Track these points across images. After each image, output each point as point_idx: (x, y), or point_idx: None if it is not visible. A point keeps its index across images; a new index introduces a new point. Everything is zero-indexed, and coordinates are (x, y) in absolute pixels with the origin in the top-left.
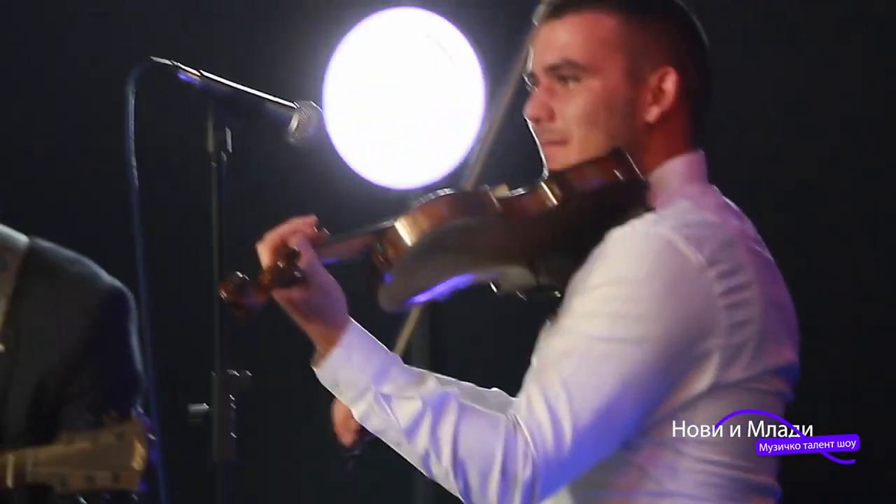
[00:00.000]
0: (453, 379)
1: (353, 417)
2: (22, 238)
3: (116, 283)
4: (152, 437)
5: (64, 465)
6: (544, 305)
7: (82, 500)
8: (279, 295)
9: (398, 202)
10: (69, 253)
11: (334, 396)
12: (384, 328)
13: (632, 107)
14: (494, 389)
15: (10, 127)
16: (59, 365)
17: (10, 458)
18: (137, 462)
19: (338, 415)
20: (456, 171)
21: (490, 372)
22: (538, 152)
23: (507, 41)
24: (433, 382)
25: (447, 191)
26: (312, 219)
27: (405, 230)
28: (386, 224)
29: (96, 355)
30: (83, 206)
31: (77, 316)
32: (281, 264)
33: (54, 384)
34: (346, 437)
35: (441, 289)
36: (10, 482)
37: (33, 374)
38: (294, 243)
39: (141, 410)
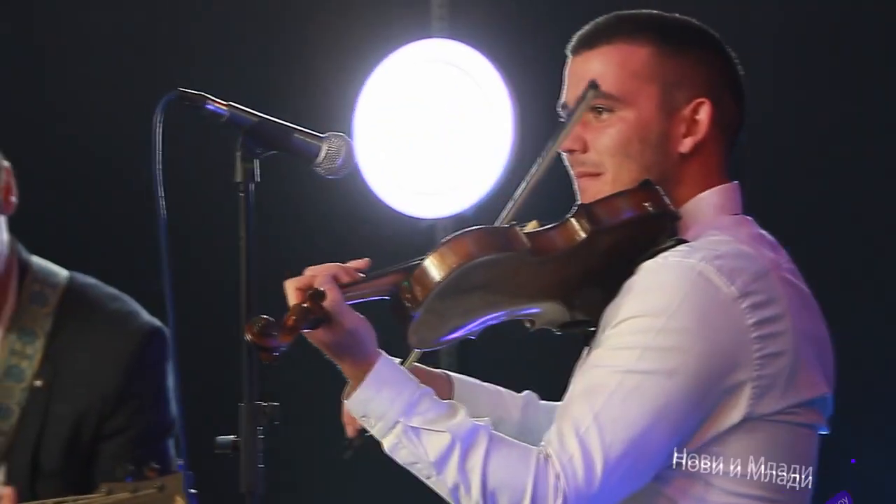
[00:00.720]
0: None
1: None
2: (62, 273)
3: (155, 321)
4: (193, 492)
5: None
6: (577, 338)
7: None
8: (307, 335)
9: (427, 232)
10: (109, 289)
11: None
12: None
13: (665, 138)
14: (526, 392)
15: (39, 158)
16: (97, 402)
17: None
18: None
19: (346, 411)
20: (485, 202)
21: None
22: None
23: (537, 72)
24: (463, 414)
25: (475, 227)
26: (344, 265)
27: (432, 267)
28: (414, 262)
29: (134, 394)
30: (110, 236)
31: (115, 354)
32: (306, 305)
33: (92, 421)
34: (349, 430)
35: (473, 327)
36: None
37: (71, 410)
38: (319, 284)
39: (182, 463)
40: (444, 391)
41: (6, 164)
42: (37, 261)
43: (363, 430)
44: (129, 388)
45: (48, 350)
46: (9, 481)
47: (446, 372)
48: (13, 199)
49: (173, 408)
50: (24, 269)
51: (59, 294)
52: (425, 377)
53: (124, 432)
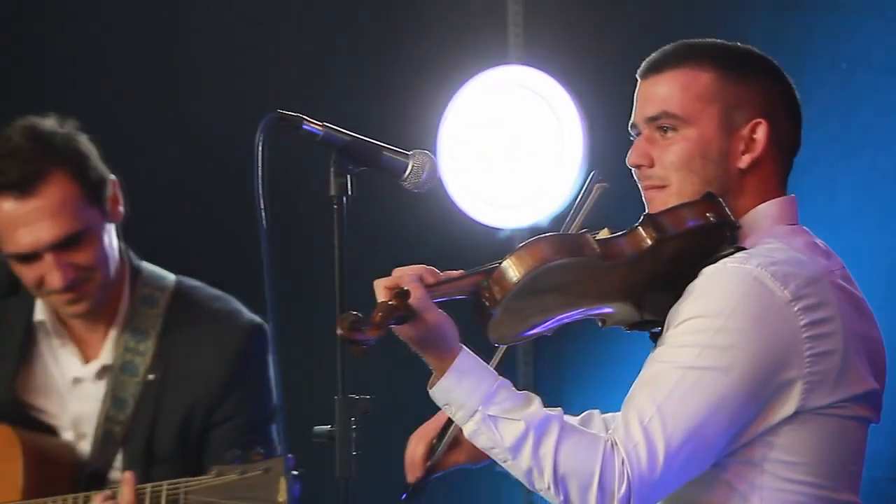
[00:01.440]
0: None
1: (417, 463)
2: (170, 277)
3: (256, 318)
4: (296, 473)
5: (213, 495)
6: (645, 337)
7: None
8: (393, 330)
9: (505, 241)
10: (213, 290)
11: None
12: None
13: (725, 154)
14: (586, 412)
15: (154, 174)
16: (205, 394)
17: (164, 487)
18: (282, 495)
19: (407, 454)
20: (558, 214)
21: (592, 400)
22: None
23: (605, 94)
24: (537, 405)
25: (550, 233)
26: (429, 267)
27: (510, 269)
28: (493, 265)
29: (239, 385)
30: (218, 244)
31: (221, 350)
32: (392, 303)
33: (201, 411)
34: (410, 477)
35: (548, 325)
36: None
37: (181, 402)
38: (405, 283)
39: (290, 457)
40: None
41: (113, 177)
42: (146, 266)
43: (424, 477)
44: (234, 379)
45: (159, 347)
46: (126, 466)
47: None
48: (121, 208)
49: (275, 397)
50: (136, 273)
51: (168, 296)
52: None
53: (231, 420)
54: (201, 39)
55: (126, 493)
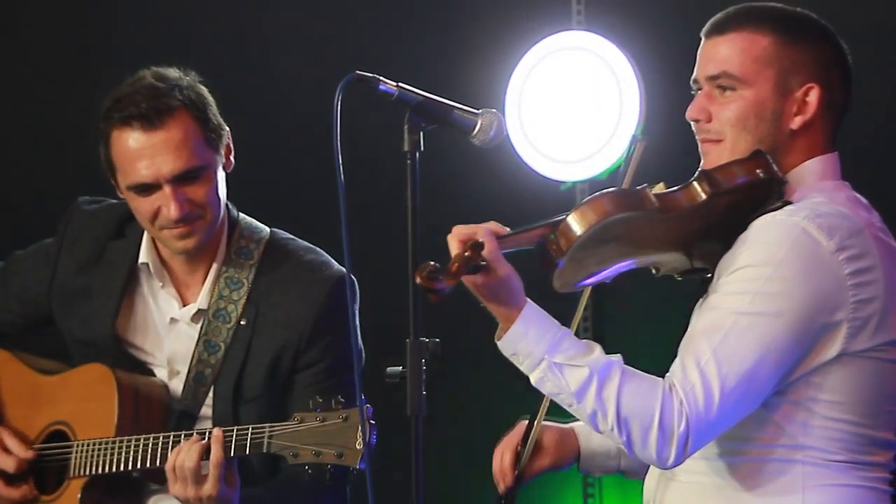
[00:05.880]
0: None
1: (507, 470)
2: (265, 229)
3: (344, 270)
4: (373, 423)
5: (295, 440)
6: (695, 284)
7: (308, 469)
8: (466, 280)
9: (567, 193)
10: (303, 243)
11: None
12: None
13: (778, 115)
14: None
15: (243, 134)
16: (294, 339)
17: (250, 432)
18: (360, 443)
19: (495, 464)
20: (616, 168)
21: (648, 347)
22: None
23: (660, 58)
24: (599, 351)
25: (611, 189)
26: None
27: (575, 222)
28: (558, 218)
29: (326, 332)
30: (299, 197)
31: (311, 298)
32: (467, 254)
33: (289, 355)
34: (501, 487)
35: (607, 273)
36: (248, 451)
37: (270, 346)
38: (479, 236)
39: (364, 399)
40: (572, 442)
41: (227, 129)
42: (244, 218)
43: (515, 485)
44: (321, 326)
45: (251, 294)
46: (215, 405)
47: (573, 426)
48: (232, 159)
49: (359, 344)
50: (234, 224)
51: (262, 248)
52: (557, 431)
53: (316, 365)
54: (285, 5)
55: (217, 438)
